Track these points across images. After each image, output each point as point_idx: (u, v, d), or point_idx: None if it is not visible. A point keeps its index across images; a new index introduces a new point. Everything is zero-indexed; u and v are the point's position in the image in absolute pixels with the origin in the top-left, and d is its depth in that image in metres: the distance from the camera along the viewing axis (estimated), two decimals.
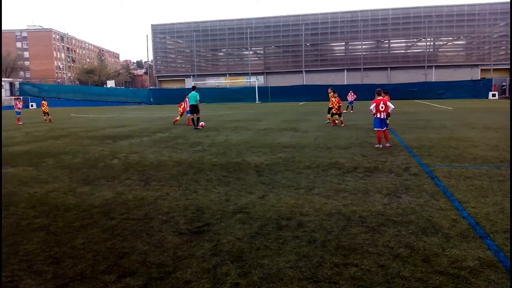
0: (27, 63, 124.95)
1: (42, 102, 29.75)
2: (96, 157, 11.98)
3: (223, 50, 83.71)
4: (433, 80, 67.87)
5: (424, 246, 4.70)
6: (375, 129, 12.66)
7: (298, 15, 77.57)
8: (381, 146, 12.30)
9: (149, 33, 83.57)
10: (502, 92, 60.72)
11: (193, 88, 21.19)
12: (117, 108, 53.56)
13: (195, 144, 14.14)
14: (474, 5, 70.71)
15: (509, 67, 70.84)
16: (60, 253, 4.80)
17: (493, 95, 53.33)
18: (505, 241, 4.80)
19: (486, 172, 8.52)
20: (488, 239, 4.87)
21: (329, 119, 21.87)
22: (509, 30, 69.47)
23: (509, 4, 67.74)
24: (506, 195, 6.73)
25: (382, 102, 12.35)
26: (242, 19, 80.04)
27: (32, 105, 60.66)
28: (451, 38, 74.99)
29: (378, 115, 12.43)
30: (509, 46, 70.72)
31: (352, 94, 31.90)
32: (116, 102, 65.57)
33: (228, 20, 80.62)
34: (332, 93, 20.39)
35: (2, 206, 6.83)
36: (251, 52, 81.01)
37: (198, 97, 20.24)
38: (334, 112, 19.88)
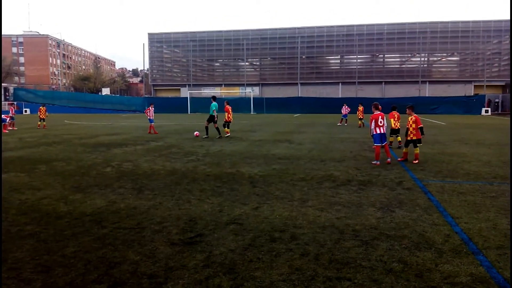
0: (22, 68, 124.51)
1: (40, 108, 29.05)
2: (89, 164, 11.90)
3: (219, 60, 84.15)
4: (427, 95, 68.49)
5: (417, 261, 4.70)
6: (375, 144, 12.03)
7: (295, 28, 78.28)
8: (378, 163, 11.68)
9: (146, 41, 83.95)
10: (495, 108, 61.34)
11: (213, 98, 21.15)
12: (111, 116, 53.38)
13: (189, 154, 14.10)
14: (468, 22, 71.80)
15: (501, 84, 71.79)
16: (51, 261, 4.73)
17: (486, 111, 53.84)
18: (498, 257, 4.81)
19: (479, 188, 8.57)
20: (481, 255, 4.87)
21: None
22: (501, 47, 70.49)
23: (502, 22, 68.83)
24: (499, 211, 6.76)
25: (380, 117, 11.88)
26: (238, 30, 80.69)
27: (26, 111, 60.34)
28: (445, 54, 75.96)
29: (378, 130, 11.82)
30: (501, 63, 71.74)
31: (346, 107, 32.14)
32: (111, 110, 65.41)
33: (224, 31, 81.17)
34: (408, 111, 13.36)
35: None
36: (247, 63, 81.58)
37: (214, 107, 20.36)
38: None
